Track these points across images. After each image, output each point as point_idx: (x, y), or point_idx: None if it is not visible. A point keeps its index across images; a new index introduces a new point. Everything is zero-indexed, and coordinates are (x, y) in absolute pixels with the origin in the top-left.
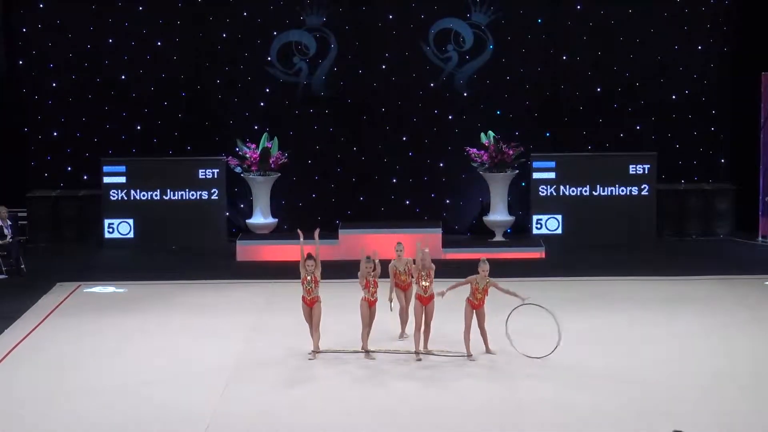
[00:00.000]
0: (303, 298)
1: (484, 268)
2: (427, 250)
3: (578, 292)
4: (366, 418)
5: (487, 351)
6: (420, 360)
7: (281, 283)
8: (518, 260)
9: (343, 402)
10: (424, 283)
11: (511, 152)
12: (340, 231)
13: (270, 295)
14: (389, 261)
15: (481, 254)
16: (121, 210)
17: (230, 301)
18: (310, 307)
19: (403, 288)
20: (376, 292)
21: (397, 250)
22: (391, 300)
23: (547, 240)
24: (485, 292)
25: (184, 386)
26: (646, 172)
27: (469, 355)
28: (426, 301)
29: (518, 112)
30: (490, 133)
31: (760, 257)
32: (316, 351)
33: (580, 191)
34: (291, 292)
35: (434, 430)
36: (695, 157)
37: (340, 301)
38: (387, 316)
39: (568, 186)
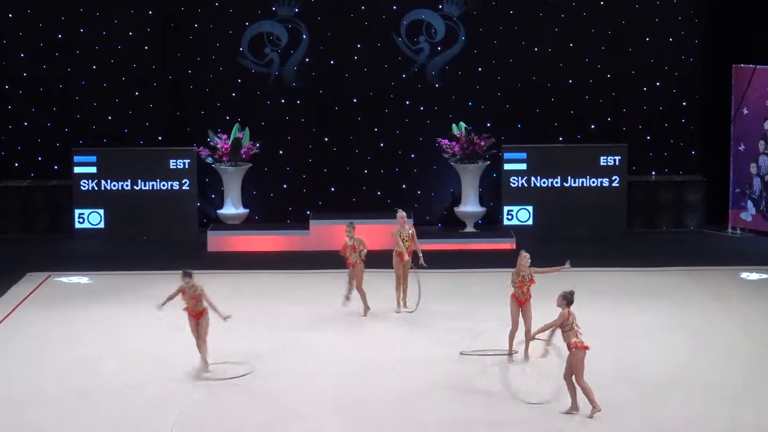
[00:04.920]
0: None
1: (525, 257)
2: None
3: (548, 283)
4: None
5: (525, 356)
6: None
7: (252, 273)
8: (489, 251)
9: (316, 392)
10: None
11: (482, 143)
12: (311, 222)
13: (241, 286)
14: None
15: (453, 245)
16: (92, 200)
17: None
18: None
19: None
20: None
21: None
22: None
23: (517, 231)
24: (531, 281)
25: (154, 377)
26: (617, 163)
27: (511, 354)
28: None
29: (490, 104)
30: (462, 124)
31: (729, 249)
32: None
33: (551, 182)
34: (262, 282)
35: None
36: (666, 149)
37: (311, 293)
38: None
39: (539, 177)
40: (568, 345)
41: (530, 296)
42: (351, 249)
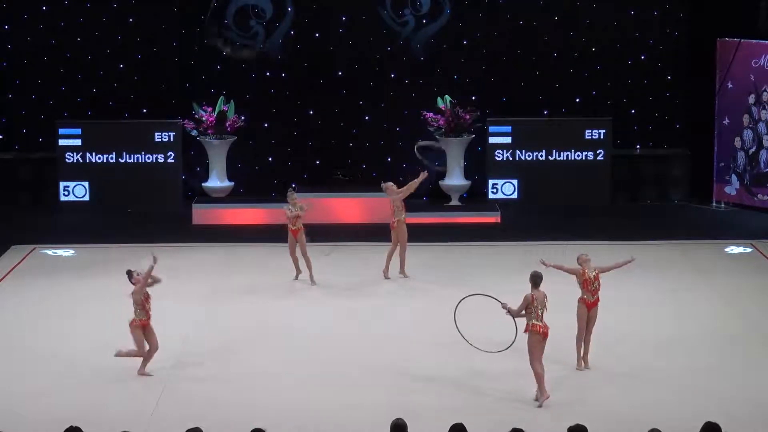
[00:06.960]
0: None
1: (585, 258)
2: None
3: (533, 256)
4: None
5: (584, 365)
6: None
7: (237, 246)
8: (474, 225)
9: (309, 368)
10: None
11: (467, 117)
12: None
13: (226, 258)
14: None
15: (438, 219)
16: (77, 173)
17: (186, 265)
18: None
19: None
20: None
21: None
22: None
23: (502, 204)
24: (597, 280)
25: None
26: (602, 137)
27: (580, 367)
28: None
29: (475, 77)
30: (447, 97)
31: (713, 223)
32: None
33: (536, 156)
34: (247, 255)
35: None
36: (651, 123)
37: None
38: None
39: (524, 151)
40: (525, 326)
41: (599, 299)
42: (295, 218)
